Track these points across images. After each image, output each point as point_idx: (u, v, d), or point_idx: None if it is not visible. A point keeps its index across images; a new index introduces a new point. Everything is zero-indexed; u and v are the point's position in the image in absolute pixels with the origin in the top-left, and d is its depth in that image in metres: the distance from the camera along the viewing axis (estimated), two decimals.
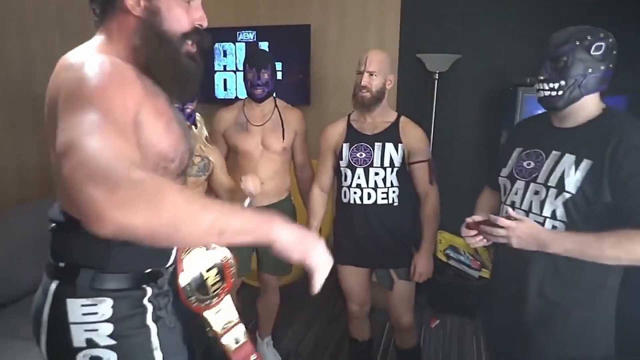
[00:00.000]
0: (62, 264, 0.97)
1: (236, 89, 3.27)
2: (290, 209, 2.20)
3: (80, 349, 0.95)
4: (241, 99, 2.21)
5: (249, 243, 0.76)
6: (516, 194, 1.31)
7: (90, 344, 0.95)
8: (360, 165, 1.82)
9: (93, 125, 0.71)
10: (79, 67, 0.83)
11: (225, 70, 3.30)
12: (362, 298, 2.02)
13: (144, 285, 1.01)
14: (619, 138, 1.13)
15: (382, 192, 1.83)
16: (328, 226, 2.62)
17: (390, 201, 1.84)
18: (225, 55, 3.29)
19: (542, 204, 1.24)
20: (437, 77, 2.80)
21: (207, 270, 1.33)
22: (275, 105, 2.11)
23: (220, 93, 3.34)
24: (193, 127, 1.82)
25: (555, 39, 1.22)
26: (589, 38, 1.17)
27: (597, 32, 1.19)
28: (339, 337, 2.57)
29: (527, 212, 1.26)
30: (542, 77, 1.23)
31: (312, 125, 2.31)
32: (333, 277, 1.95)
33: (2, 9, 2.35)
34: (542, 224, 1.22)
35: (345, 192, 1.88)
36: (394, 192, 1.83)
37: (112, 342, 0.96)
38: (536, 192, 1.26)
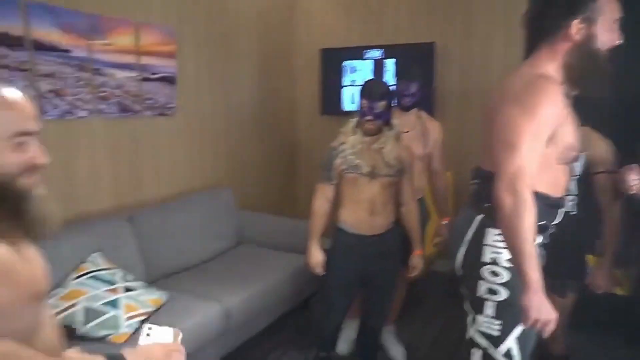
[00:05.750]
0: (487, 205, 1.30)
1: None
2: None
3: (485, 264, 1.35)
4: None
5: None
6: None
7: (494, 261, 1.34)
8: None
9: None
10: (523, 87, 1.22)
11: (352, 85, 3.62)
12: None
13: (536, 233, 1.26)
14: None
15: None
16: None
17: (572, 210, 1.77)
18: (353, 71, 3.61)
19: None
20: None
21: None
22: (419, 116, 2.33)
23: (347, 106, 3.66)
24: (388, 126, 1.96)
25: None
26: None
27: None
28: (456, 338, 2.64)
29: None
30: None
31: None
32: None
33: None
34: None
35: None
36: (571, 200, 1.76)
37: (509, 264, 1.30)
38: None
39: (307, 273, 2.72)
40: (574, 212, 1.80)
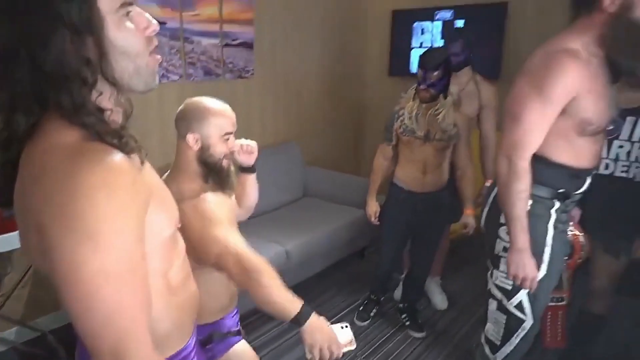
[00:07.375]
0: None
1: None
2: None
3: (502, 225, 1.42)
4: None
5: None
6: None
7: None
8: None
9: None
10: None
11: (421, 46, 3.66)
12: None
13: (555, 200, 1.40)
14: None
15: (623, 166, 1.80)
16: None
17: (631, 176, 1.79)
18: (422, 33, 3.64)
19: None
20: None
21: None
22: (472, 78, 2.40)
23: (415, 68, 3.72)
24: (443, 96, 2.08)
25: None
26: None
27: None
28: None
29: None
30: None
31: (500, 98, 2.53)
32: None
33: None
34: None
35: None
36: (637, 167, 1.77)
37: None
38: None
39: (364, 225, 3.01)
40: (631, 176, 1.79)
